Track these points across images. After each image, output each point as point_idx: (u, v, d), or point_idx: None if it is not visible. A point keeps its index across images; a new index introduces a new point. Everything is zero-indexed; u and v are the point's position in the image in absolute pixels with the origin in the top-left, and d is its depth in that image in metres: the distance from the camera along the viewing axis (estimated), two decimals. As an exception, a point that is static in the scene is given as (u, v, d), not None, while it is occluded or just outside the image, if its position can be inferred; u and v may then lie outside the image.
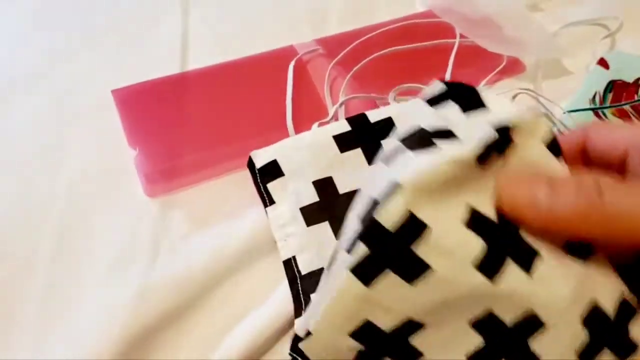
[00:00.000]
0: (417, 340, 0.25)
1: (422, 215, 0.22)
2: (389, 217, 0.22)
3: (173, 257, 0.35)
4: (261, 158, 0.36)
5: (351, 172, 0.35)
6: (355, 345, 0.25)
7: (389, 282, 0.23)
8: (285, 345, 0.32)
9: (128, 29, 0.47)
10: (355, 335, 0.25)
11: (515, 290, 0.24)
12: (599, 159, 0.26)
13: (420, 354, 0.25)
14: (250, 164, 0.36)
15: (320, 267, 0.33)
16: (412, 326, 0.25)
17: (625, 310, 0.26)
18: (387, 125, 0.37)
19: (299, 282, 0.33)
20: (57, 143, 0.41)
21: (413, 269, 0.23)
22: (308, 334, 0.25)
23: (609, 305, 0.25)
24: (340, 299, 0.24)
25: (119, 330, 0.31)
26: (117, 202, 0.38)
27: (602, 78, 0.41)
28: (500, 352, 0.25)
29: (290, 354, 0.27)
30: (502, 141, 0.24)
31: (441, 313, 0.24)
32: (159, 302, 0.33)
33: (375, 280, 0.23)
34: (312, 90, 0.43)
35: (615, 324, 0.25)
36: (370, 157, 0.36)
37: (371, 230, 0.22)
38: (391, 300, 0.24)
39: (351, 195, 0.32)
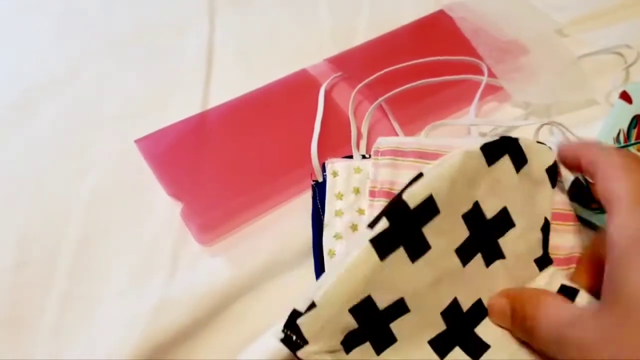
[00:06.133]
0: (396, 326, 0.28)
1: (438, 200, 0.28)
2: (413, 198, 0.27)
3: (192, 272, 0.35)
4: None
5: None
6: (350, 323, 0.27)
7: (398, 258, 0.27)
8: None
9: (153, 38, 0.47)
10: (354, 310, 0.27)
11: (474, 277, 0.30)
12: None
13: (395, 340, 0.28)
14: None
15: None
16: (399, 308, 0.28)
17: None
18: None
19: None
20: (80, 151, 0.41)
21: (418, 248, 0.28)
22: (310, 307, 0.26)
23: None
24: (355, 268, 0.26)
25: (135, 344, 0.32)
26: (137, 214, 0.38)
27: (626, 113, 0.40)
28: (456, 337, 0.30)
29: (283, 331, 0.26)
30: (518, 156, 0.31)
31: (424, 296, 0.29)
32: (176, 317, 0.33)
33: (389, 255, 0.27)
34: (335, 117, 0.42)
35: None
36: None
37: (395, 206, 0.27)
38: (394, 277, 0.27)
39: None
